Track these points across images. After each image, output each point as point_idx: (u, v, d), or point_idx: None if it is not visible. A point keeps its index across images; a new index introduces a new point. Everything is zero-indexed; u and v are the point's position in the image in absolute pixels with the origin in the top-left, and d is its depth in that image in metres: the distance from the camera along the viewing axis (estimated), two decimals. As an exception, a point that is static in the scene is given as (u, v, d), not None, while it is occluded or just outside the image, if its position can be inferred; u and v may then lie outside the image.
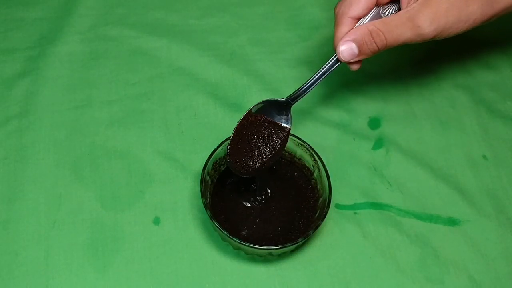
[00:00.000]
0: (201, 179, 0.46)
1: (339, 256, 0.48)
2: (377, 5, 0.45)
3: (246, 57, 0.61)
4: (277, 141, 0.47)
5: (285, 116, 0.47)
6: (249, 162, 0.46)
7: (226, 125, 0.56)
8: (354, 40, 0.43)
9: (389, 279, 0.47)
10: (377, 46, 0.43)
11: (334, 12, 0.46)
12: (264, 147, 0.47)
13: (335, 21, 0.45)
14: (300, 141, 0.49)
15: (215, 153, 0.48)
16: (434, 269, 0.48)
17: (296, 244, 0.45)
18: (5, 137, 0.53)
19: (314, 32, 0.64)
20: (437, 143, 0.55)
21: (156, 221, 0.49)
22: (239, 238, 0.43)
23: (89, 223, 0.49)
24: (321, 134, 0.55)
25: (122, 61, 0.60)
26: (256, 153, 0.47)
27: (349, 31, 0.44)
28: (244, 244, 0.43)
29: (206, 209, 0.45)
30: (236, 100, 0.57)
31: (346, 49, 0.44)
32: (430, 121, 0.57)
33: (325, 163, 0.48)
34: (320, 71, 0.46)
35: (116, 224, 0.49)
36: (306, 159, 0.50)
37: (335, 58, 0.46)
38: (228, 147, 0.46)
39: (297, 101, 0.47)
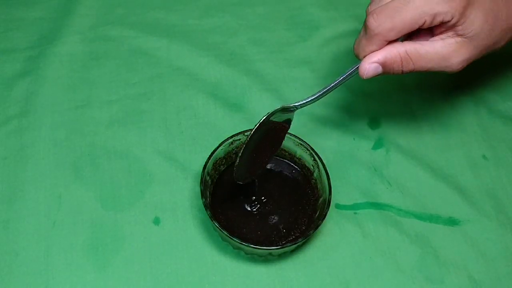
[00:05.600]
0: (201, 179, 0.46)
1: (339, 256, 0.48)
2: None
3: (246, 57, 0.61)
4: (276, 142, 0.47)
5: (288, 116, 0.46)
6: (253, 169, 0.46)
7: (226, 125, 0.56)
8: (382, 63, 0.42)
9: (389, 279, 0.47)
10: (402, 71, 0.42)
11: (368, 21, 0.41)
12: (267, 152, 0.47)
13: (366, 32, 0.41)
14: (300, 141, 0.49)
15: (215, 153, 0.48)
16: (434, 269, 0.48)
17: (296, 244, 0.45)
18: (5, 137, 0.53)
19: (314, 32, 0.64)
20: (437, 143, 0.55)
21: (156, 221, 0.49)
22: (239, 238, 0.43)
23: (89, 223, 0.49)
24: (321, 134, 0.55)
25: (122, 61, 0.60)
26: (259, 160, 0.46)
27: (378, 50, 0.42)
28: (244, 244, 0.43)
29: (206, 209, 0.45)
30: (236, 100, 0.57)
31: (372, 69, 0.42)
32: (430, 121, 0.57)
33: (325, 163, 0.48)
34: (338, 80, 0.43)
35: (116, 224, 0.49)
36: (306, 159, 0.50)
37: (354, 69, 0.43)
38: (239, 158, 0.43)
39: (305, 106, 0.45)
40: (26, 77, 0.58)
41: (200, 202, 0.49)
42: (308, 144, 0.49)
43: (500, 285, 0.48)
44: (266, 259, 0.48)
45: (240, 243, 0.43)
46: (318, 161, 0.48)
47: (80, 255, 0.47)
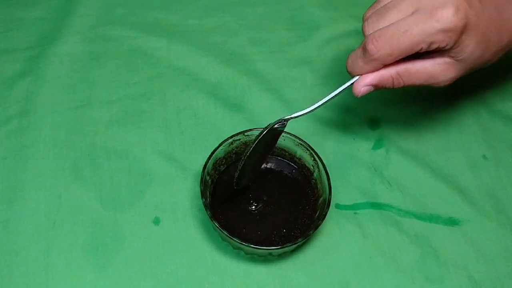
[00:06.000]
0: (201, 179, 0.46)
1: (339, 256, 0.48)
2: None
3: (246, 57, 0.61)
4: (271, 146, 0.47)
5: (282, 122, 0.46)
6: (252, 175, 0.47)
7: (226, 125, 0.56)
8: (375, 86, 0.44)
9: (389, 279, 0.47)
10: (393, 88, 0.45)
11: (368, 46, 0.42)
12: (263, 156, 0.47)
13: (365, 55, 0.42)
14: (300, 141, 0.49)
15: (215, 153, 0.48)
16: (434, 269, 0.48)
17: (296, 244, 0.45)
18: (5, 137, 0.53)
19: (314, 32, 0.64)
20: (437, 143, 0.55)
21: (156, 221, 0.49)
22: (239, 238, 0.43)
23: (89, 223, 0.49)
24: (321, 134, 0.55)
25: (122, 61, 0.60)
26: (257, 166, 0.48)
27: (373, 71, 0.44)
28: (244, 244, 0.43)
29: (206, 209, 0.45)
30: (236, 100, 0.57)
31: (365, 90, 0.45)
32: (430, 121, 0.57)
33: (325, 163, 0.48)
34: (335, 93, 0.45)
35: (116, 224, 0.49)
36: (306, 159, 0.50)
37: (348, 85, 0.45)
38: (239, 170, 0.44)
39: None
40: (26, 77, 0.58)
41: (200, 202, 0.49)
42: (308, 144, 0.49)
43: (500, 285, 0.48)
44: (266, 259, 0.48)
45: (240, 243, 0.43)
46: (318, 161, 0.48)
47: (80, 255, 0.47)
